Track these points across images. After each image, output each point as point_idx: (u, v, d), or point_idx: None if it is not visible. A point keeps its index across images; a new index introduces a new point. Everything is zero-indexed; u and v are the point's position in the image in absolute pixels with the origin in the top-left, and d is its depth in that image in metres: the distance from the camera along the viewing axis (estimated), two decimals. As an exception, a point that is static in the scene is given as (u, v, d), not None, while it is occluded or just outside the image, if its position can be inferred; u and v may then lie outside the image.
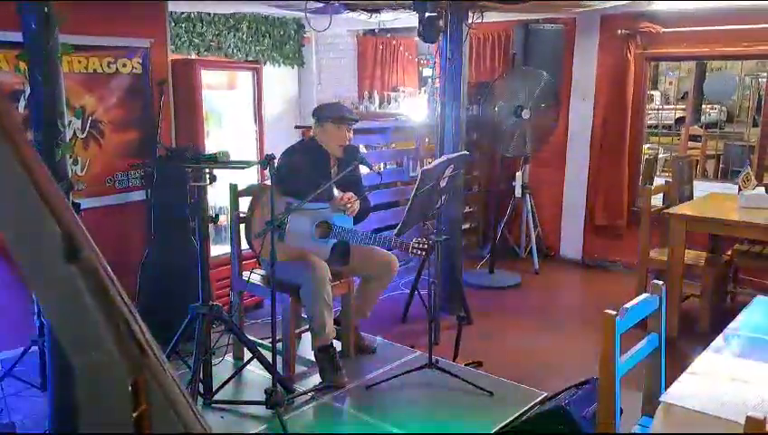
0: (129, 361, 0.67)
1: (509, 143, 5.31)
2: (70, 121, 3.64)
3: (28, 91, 2.75)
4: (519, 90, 5.20)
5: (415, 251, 3.49)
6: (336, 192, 3.58)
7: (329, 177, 3.63)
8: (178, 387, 0.75)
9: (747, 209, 4.19)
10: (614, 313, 1.95)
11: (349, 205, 3.56)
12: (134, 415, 0.68)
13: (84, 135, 3.78)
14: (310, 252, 3.55)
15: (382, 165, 5.76)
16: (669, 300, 4.03)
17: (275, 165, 3.10)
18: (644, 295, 2.19)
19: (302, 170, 3.54)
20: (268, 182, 3.33)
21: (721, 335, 2.21)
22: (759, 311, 2.47)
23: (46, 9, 2.38)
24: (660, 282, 2.28)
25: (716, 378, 1.90)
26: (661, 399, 1.78)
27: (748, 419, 1.44)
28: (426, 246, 3.47)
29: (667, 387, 1.91)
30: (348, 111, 3.77)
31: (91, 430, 0.73)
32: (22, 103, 3.45)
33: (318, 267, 3.44)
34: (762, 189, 4.32)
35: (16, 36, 2.51)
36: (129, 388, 0.66)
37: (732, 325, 2.30)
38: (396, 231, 3.44)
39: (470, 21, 4.53)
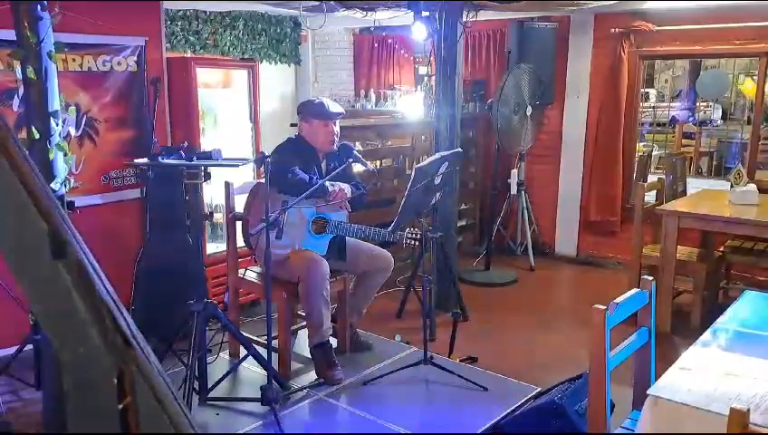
0: (114, 354, 0.68)
1: (514, 140, 5.36)
2: (64, 120, 3.63)
3: (22, 89, 2.76)
4: (520, 87, 5.24)
5: (408, 242, 3.53)
6: (329, 186, 3.58)
7: (320, 172, 3.65)
8: (164, 380, 0.76)
9: (738, 206, 4.22)
10: (604, 307, 1.97)
11: (339, 199, 3.57)
12: (119, 407, 0.69)
13: (79, 133, 3.78)
14: (307, 249, 3.56)
15: (378, 162, 5.77)
16: (662, 295, 4.06)
17: (267, 167, 3.10)
18: (634, 290, 2.21)
19: (290, 170, 3.52)
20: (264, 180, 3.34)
21: (709, 330, 2.23)
22: (747, 305, 2.49)
23: (39, 7, 2.39)
24: (650, 277, 2.31)
25: (704, 372, 1.92)
26: (648, 392, 1.80)
27: (732, 410, 1.46)
28: (418, 236, 3.50)
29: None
30: (333, 106, 3.77)
31: (78, 423, 0.75)
32: (16, 102, 3.46)
33: (318, 264, 3.46)
34: (752, 186, 4.35)
35: (9, 35, 2.52)
36: (115, 380, 0.68)
37: (720, 320, 2.32)
38: (390, 227, 3.46)
39: (465, 19, 4.55)
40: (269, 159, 3.07)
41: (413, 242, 3.53)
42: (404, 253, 5.16)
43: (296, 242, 3.56)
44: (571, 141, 5.99)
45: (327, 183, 3.49)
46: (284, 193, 3.39)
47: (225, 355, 3.77)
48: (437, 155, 3.62)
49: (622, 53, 5.50)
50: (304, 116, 3.69)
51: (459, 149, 4.20)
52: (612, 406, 2.30)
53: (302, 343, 3.84)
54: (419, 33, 4.45)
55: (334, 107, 3.74)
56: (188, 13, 5.48)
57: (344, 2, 4.69)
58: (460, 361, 3.80)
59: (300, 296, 3.51)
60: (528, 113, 5.31)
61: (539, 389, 3.35)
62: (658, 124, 9.43)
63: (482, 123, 6.18)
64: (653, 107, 9.96)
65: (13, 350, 3.42)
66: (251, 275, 3.77)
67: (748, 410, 1.46)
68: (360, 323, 4.02)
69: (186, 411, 0.77)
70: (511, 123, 5.27)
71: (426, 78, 6.69)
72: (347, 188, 3.62)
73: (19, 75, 2.54)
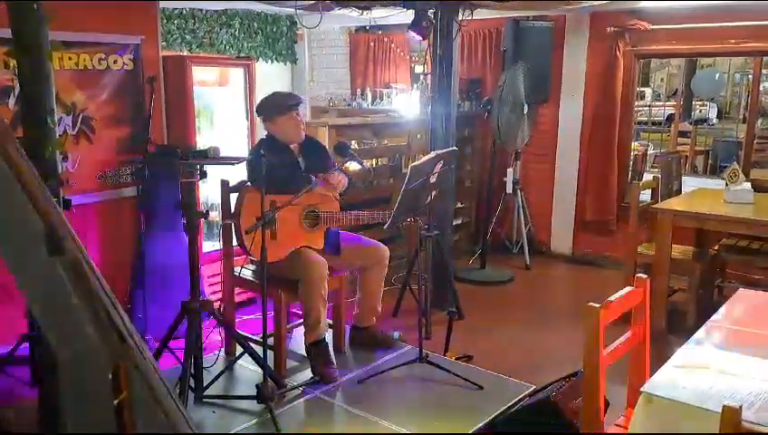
0: (109, 349, 0.69)
1: (511, 138, 5.38)
2: (60, 118, 3.64)
3: (18, 87, 2.75)
4: (518, 86, 5.26)
5: (404, 222, 3.55)
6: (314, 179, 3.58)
7: (298, 167, 3.67)
8: (159, 376, 0.77)
9: (733, 204, 4.23)
10: (598, 305, 1.98)
11: (337, 185, 3.58)
12: (115, 403, 0.70)
13: (75, 131, 3.78)
14: (305, 245, 3.56)
15: (374, 161, 5.77)
16: (657, 294, 4.07)
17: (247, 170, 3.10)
18: (628, 288, 2.22)
19: (271, 170, 3.49)
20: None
21: (703, 328, 2.24)
22: (741, 303, 2.50)
23: (35, 6, 2.39)
24: (644, 275, 2.32)
25: (698, 370, 1.93)
26: (642, 389, 1.81)
27: (724, 408, 1.47)
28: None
29: (651, 379, 1.94)
30: (289, 97, 3.75)
31: (75, 420, 0.75)
32: (12, 100, 3.46)
33: (318, 264, 3.46)
34: (747, 184, 4.37)
35: (5, 33, 2.52)
36: (110, 376, 0.68)
37: (714, 318, 2.33)
38: (386, 226, 3.47)
39: (460, 18, 4.55)
40: (264, 159, 3.07)
41: (411, 220, 3.55)
42: (401, 251, 5.17)
43: (292, 239, 3.55)
44: (566, 140, 6.00)
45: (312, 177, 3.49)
46: (269, 193, 3.34)
47: (220, 353, 3.77)
48: (433, 154, 3.63)
49: (617, 52, 5.51)
50: (266, 116, 3.68)
51: (455, 148, 4.21)
52: (607, 404, 2.31)
53: (298, 341, 3.84)
54: (415, 31, 4.46)
55: (291, 97, 3.74)
56: (184, 11, 5.47)
57: (340, 0, 4.69)
58: (455, 359, 3.81)
59: (299, 295, 3.52)
60: (525, 112, 5.32)
61: (534, 387, 3.36)
62: (654, 123, 9.46)
63: (478, 122, 6.18)
64: (649, 105, 9.99)
65: (9, 348, 3.41)
66: (246, 272, 3.77)
67: (740, 407, 1.47)
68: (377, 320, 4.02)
69: (182, 408, 0.78)
70: (509, 122, 5.28)
71: (422, 76, 6.69)
72: (343, 179, 3.64)
73: (15, 73, 2.54)
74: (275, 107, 3.66)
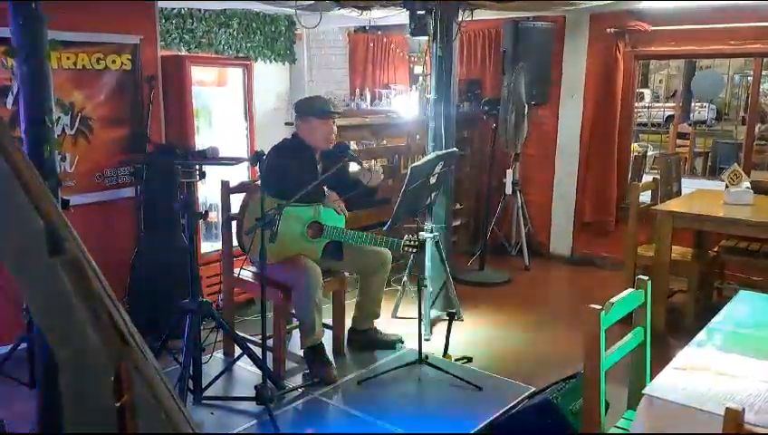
0: (110, 350, 0.68)
1: (510, 139, 5.38)
2: (58, 118, 3.63)
3: (16, 87, 2.74)
4: (519, 87, 5.25)
5: (406, 249, 3.51)
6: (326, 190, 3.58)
7: (316, 173, 3.62)
8: (161, 377, 0.76)
9: (732, 206, 4.23)
10: (599, 307, 1.98)
11: (339, 205, 3.57)
12: (117, 405, 0.69)
13: (73, 131, 3.77)
14: (301, 254, 3.54)
15: (373, 162, 5.76)
16: (656, 295, 4.05)
17: (262, 169, 3.07)
18: (629, 290, 2.22)
19: (289, 171, 3.47)
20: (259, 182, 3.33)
21: (704, 330, 2.24)
22: (742, 305, 2.50)
23: (34, 5, 2.38)
24: (645, 277, 2.31)
25: (698, 372, 1.92)
26: (644, 392, 1.80)
27: (727, 410, 1.46)
28: (416, 243, 3.49)
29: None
30: (330, 104, 3.75)
31: (75, 421, 0.74)
32: (10, 99, 3.45)
33: (311, 272, 3.44)
34: (747, 186, 4.36)
35: (4, 32, 2.51)
36: (112, 379, 0.67)
37: (715, 320, 2.33)
38: (386, 227, 3.46)
39: (460, 19, 4.55)
40: (264, 158, 3.06)
41: (411, 249, 3.52)
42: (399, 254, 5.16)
43: (291, 246, 3.53)
44: (566, 141, 6.00)
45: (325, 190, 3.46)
46: (277, 197, 3.33)
47: (219, 354, 3.76)
48: (433, 154, 3.63)
49: (617, 53, 5.51)
50: (302, 115, 3.66)
51: (454, 149, 4.21)
52: (607, 405, 2.31)
53: (297, 343, 3.83)
54: (415, 32, 4.46)
55: (333, 106, 3.73)
56: (183, 11, 5.46)
57: (339, 0, 4.68)
58: (455, 360, 3.80)
59: (293, 302, 3.50)
60: (525, 113, 5.33)
61: (533, 388, 3.35)
62: (653, 124, 9.46)
63: (477, 123, 6.17)
64: (648, 107, 9.99)
65: (7, 348, 3.40)
66: (246, 274, 3.76)
67: (743, 409, 1.46)
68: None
69: (182, 409, 0.77)
70: (511, 123, 5.28)
71: (421, 77, 6.68)
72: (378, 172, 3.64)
73: (13, 73, 2.53)
74: (316, 108, 3.64)
